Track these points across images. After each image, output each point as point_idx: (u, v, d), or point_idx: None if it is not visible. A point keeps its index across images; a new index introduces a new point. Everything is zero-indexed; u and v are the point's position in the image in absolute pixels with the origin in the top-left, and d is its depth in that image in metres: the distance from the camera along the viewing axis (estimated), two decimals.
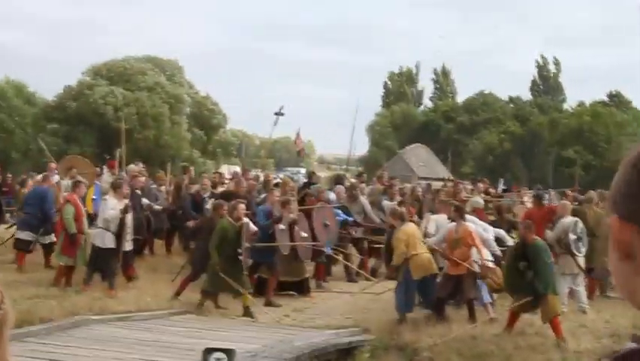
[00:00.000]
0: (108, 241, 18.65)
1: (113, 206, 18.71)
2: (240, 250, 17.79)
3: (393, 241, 17.38)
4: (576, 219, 18.35)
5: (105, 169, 26.77)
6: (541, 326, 16.63)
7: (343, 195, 23.53)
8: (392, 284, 18.77)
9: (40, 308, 16.67)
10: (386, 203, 23.63)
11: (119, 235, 18.68)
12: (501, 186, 32.75)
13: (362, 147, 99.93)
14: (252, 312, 17.81)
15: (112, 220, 18.61)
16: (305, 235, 19.85)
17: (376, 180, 28.42)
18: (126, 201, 18.97)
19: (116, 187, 19.14)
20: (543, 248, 16.33)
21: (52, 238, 20.93)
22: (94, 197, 22.19)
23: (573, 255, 18.05)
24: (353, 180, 28.25)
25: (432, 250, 17.76)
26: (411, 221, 18.52)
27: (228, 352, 11.83)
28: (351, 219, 22.46)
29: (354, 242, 23.34)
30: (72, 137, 65.05)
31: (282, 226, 19.38)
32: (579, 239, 18.08)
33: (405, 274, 17.26)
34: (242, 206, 18.19)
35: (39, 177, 24.85)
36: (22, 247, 21.11)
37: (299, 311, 18.67)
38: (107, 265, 18.80)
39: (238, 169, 34.94)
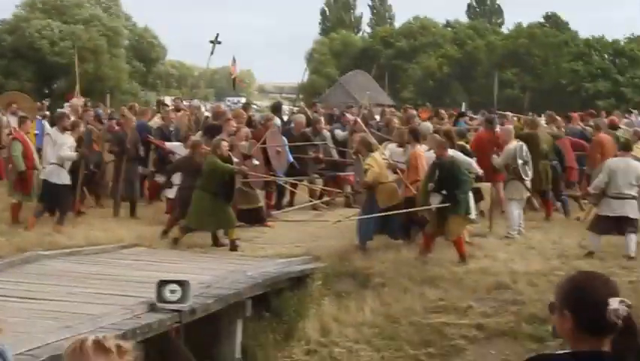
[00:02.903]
0: (64, 178, 18.55)
1: (70, 144, 18.62)
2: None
3: (366, 163, 17.23)
4: (521, 143, 18.32)
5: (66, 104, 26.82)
6: (491, 249, 16.88)
7: (303, 125, 22.83)
8: (346, 213, 18.95)
9: None
10: (338, 132, 23.50)
11: (74, 172, 18.64)
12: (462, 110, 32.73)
13: (302, 74, 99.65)
14: (238, 246, 17.87)
15: (68, 159, 18.54)
16: (257, 162, 19.64)
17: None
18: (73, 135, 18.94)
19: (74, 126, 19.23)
20: (458, 164, 16.40)
21: None
22: (36, 132, 22.06)
23: (522, 180, 18.18)
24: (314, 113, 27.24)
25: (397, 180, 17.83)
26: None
27: (182, 283, 11.95)
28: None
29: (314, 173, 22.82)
30: (10, 71, 64.02)
31: (234, 159, 19.25)
32: (525, 163, 18.18)
33: (370, 202, 17.34)
34: (225, 143, 17.97)
35: None
36: None
37: (248, 241, 18.54)
38: (63, 202, 18.72)
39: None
